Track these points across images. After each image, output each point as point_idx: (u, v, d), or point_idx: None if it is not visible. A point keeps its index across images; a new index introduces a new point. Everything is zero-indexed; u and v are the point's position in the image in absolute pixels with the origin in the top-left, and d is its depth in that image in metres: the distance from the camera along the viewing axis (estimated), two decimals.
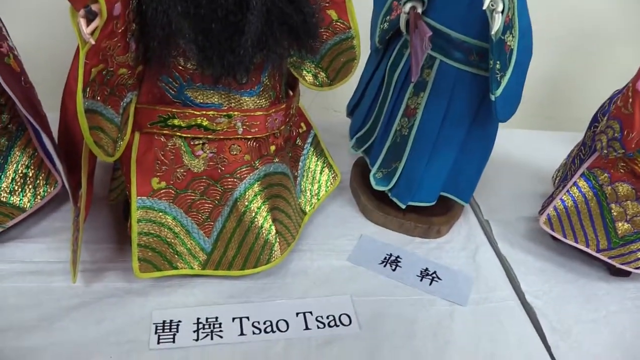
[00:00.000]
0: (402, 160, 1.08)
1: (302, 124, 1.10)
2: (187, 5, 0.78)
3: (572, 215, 1.05)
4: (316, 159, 1.14)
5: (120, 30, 0.75)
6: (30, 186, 1.03)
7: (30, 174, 1.03)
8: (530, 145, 1.50)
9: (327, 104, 1.60)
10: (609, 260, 1.06)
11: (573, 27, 1.57)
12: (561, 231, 1.07)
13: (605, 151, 0.95)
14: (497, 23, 0.81)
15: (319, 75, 1.04)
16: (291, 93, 1.01)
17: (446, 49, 0.97)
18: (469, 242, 1.17)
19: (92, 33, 0.71)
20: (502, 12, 0.81)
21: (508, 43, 0.87)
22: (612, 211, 1.02)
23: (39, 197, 1.04)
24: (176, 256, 0.95)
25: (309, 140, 1.11)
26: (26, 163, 1.02)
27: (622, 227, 1.02)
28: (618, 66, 1.68)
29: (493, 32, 0.82)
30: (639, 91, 0.89)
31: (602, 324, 1.02)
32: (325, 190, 1.15)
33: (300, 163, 1.10)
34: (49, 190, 1.06)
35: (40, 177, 1.05)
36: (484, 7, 0.80)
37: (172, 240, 0.94)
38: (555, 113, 1.72)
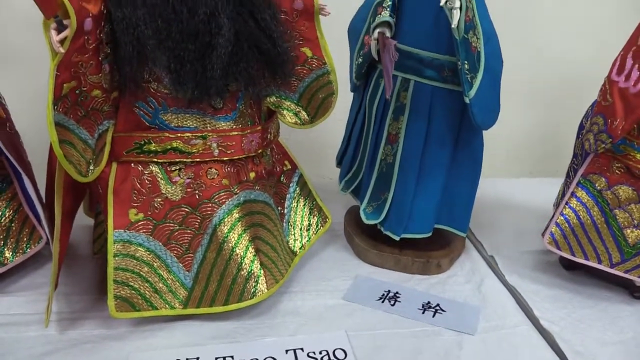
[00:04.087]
0: (390, 189, 1.06)
1: (287, 162, 1.09)
2: (158, 28, 0.81)
3: (576, 229, 0.98)
4: (304, 200, 1.11)
5: (92, 47, 0.78)
6: (12, 239, 1.01)
7: (14, 228, 1.01)
8: (529, 190, 1.45)
9: (320, 172, 1.60)
10: (627, 275, 0.97)
11: (559, 76, 1.59)
12: (568, 249, 1.00)
13: (594, 146, 0.91)
14: (455, 17, 0.83)
15: (299, 113, 1.06)
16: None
17: (418, 69, 0.99)
18: (474, 275, 1.09)
19: (62, 43, 0.74)
20: (460, 9, 0.83)
21: (473, 44, 0.88)
22: (617, 218, 0.95)
23: (20, 252, 1.02)
24: (155, 294, 0.90)
25: (295, 179, 1.10)
26: (10, 217, 1.01)
27: (632, 234, 0.95)
28: None
29: (453, 26, 0.83)
30: (614, 81, 0.89)
31: (632, 345, 0.91)
32: (316, 232, 1.11)
33: (286, 202, 1.08)
34: (32, 247, 1.04)
35: (24, 232, 1.03)
36: (441, 4, 0.83)
37: (151, 277, 0.89)
38: (553, 164, 1.68)
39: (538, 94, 1.60)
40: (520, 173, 1.62)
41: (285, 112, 1.05)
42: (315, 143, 1.49)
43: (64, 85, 0.77)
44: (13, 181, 1.03)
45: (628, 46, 0.91)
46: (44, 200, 1.05)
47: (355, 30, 1.07)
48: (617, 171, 0.95)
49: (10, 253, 1.01)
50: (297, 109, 1.06)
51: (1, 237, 1.00)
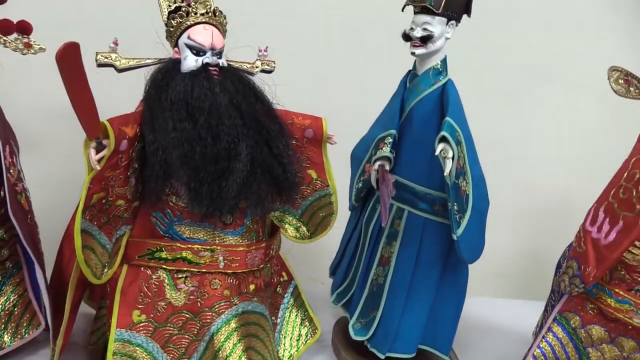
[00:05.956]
0: (379, 308, 1.11)
1: (284, 274, 1.15)
2: (184, 151, 0.91)
3: None
4: (296, 310, 1.16)
5: (123, 164, 0.87)
6: (13, 324, 1.05)
7: (16, 312, 1.06)
8: (510, 312, 1.51)
9: (314, 275, 1.66)
10: None
11: (544, 205, 1.71)
12: None
13: (569, 289, 0.99)
14: (448, 166, 0.93)
15: (300, 228, 1.14)
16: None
17: (412, 200, 1.08)
18: None
19: (99, 161, 0.83)
20: (453, 158, 0.94)
21: (463, 188, 0.98)
22: (591, 356, 1.01)
23: (19, 336, 1.06)
24: None
25: (290, 290, 1.16)
26: (14, 301, 1.06)
27: None
28: None
29: (446, 174, 0.94)
30: (588, 230, 0.98)
31: None
32: (305, 343, 1.15)
33: (280, 312, 1.13)
34: (30, 332, 1.07)
35: (25, 317, 1.07)
36: (436, 153, 0.93)
37: None
38: (536, 287, 1.76)
39: (522, 220, 1.71)
40: (503, 293, 1.69)
41: (287, 226, 1.13)
42: (312, 249, 1.56)
43: (94, 195, 0.85)
44: (22, 267, 1.08)
45: (600, 200, 1.01)
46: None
47: (357, 157, 1.17)
48: (590, 312, 1.02)
49: (9, 337, 1.04)
50: (299, 224, 1.14)
51: (3, 320, 1.04)
